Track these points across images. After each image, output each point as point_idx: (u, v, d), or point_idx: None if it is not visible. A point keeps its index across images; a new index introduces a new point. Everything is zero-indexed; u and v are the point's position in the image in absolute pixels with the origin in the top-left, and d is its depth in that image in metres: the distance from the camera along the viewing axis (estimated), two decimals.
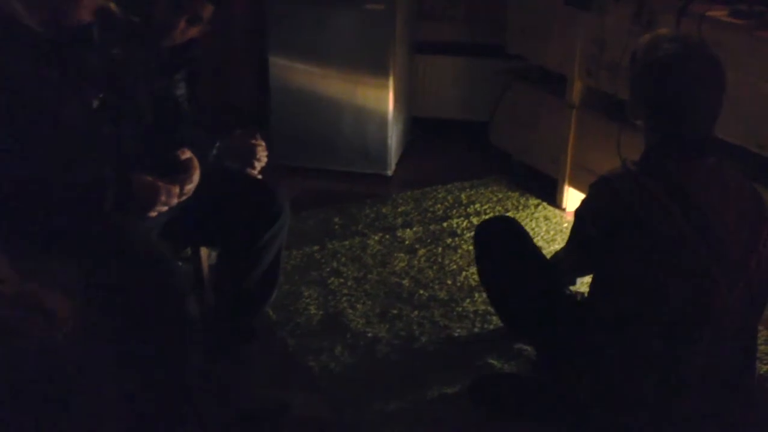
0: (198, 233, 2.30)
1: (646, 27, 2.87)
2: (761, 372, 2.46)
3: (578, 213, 1.99)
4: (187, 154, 2.05)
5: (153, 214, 1.93)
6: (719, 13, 2.67)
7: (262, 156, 2.39)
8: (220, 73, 4.01)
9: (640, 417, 1.89)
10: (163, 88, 2.24)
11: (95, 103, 1.91)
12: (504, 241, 2.30)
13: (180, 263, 2.51)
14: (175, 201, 1.96)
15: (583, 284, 2.58)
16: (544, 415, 2.12)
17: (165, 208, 1.95)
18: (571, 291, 2.25)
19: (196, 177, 2.03)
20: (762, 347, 2.58)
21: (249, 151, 2.37)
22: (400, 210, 3.47)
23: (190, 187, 2.01)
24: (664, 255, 1.77)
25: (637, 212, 1.77)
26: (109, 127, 1.95)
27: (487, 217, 3.39)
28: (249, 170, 2.36)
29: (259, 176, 2.38)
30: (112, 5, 2.07)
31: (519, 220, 3.31)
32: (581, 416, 1.97)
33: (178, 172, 2.02)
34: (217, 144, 2.29)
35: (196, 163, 2.04)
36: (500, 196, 3.62)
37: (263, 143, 2.40)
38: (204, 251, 2.51)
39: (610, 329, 1.89)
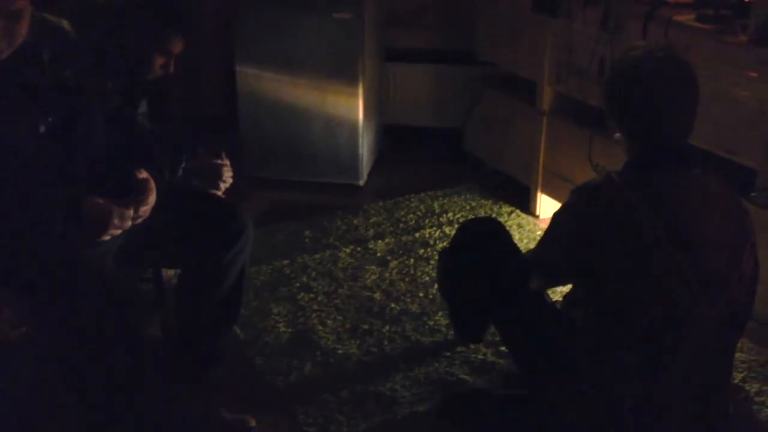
0: (158, 254, 2.24)
1: (613, 32, 2.85)
2: (737, 380, 2.43)
3: (556, 219, 1.95)
4: (143, 174, 2.00)
5: (106, 237, 1.87)
6: (686, 18, 2.65)
7: (227, 176, 2.34)
8: (187, 83, 3.95)
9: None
10: (121, 109, 2.19)
11: (43, 127, 1.86)
12: (486, 242, 2.23)
13: (142, 283, 2.47)
14: (129, 224, 1.90)
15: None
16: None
17: (119, 231, 1.89)
18: (551, 298, 2.20)
19: (152, 198, 1.97)
20: (738, 355, 2.56)
21: (214, 171, 2.32)
22: (371, 221, 3.42)
23: (145, 209, 1.96)
24: (643, 267, 1.73)
25: (618, 223, 1.74)
26: (59, 151, 1.89)
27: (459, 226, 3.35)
28: (213, 191, 2.31)
29: (222, 195, 2.33)
30: (66, 25, 2.03)
31: None
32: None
33: (134, 193, 1.96)
34: (183, 164, 2.24)
35: (152, 184, 1.98)
36: (473, 204, 3.58)
37: (228, 163, 2.35)
38: (165, 272, 2.45)
39: (586, 340, 1.85)
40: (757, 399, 2.34)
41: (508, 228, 3.29)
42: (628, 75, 1.81)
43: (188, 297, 2.25)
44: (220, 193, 2.34)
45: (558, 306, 2.12)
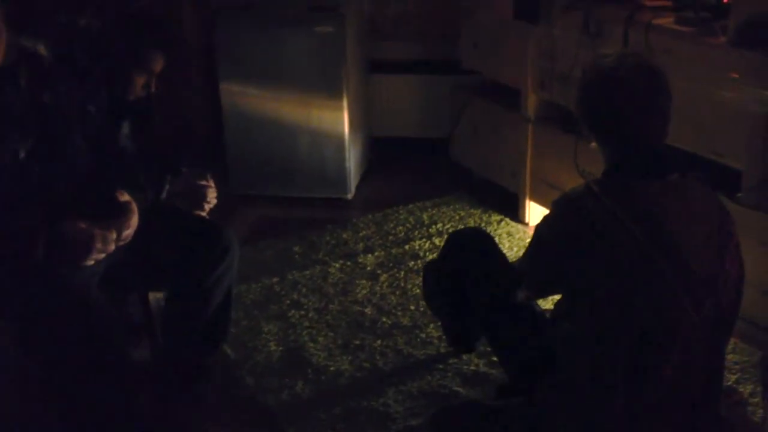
0: (143, 277, 2.23)
1: (594, 37, 2.85)
2: (730, 382, 2.42)
3: (539, 231, 1.94)
4: (125, 197, 1.98)
5: (90, 262, 1.85)
6: (666, 21, 2.66)
7: (212, 197, 2.33)
8: (171, 102, 3.93)
9: None
10: (104, 131, 2.17)
11: (23, 152, 1.84)
12: (476, 252, 2.22)
13: (129, 307, 2.45)
14: (112, 247, 1.89)
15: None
16: None
17: (102, 255, 1.88)
18: (540, 308, 2.19)
19: (134, 221, 1.96)
20: (730, 356, 2.55)
21: (198, 191, 2.31)
22: (361, 234, 3.41)
23: (128, 232, 1.94)
24: (627, 276, 1.72)
25: (600, 233, 1.73)
26: (39, 175, 1.88)
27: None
28: (198, 212, 2.30)
29: (206, 215, 2.31)
30: (42, 49, 2.02)
31: None
32: None
33: (116, 216, 1.95)
34: (167, 187, 2.23)
35: (134, 206, 1.97)
36: (462, 213, 3.57)
37: (213, 184, 2.34)
38: (152, 294, 2.43)
39: (575, 350, 1.84)
40: (751, 401, 2.33)
41: (497, 236, 3.32)
42: (599, 84, 1.80)
43: (175, 319, 2.24)
44: (204, 213, 2.33)
45: (548, 315, 2.11)
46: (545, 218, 1.90)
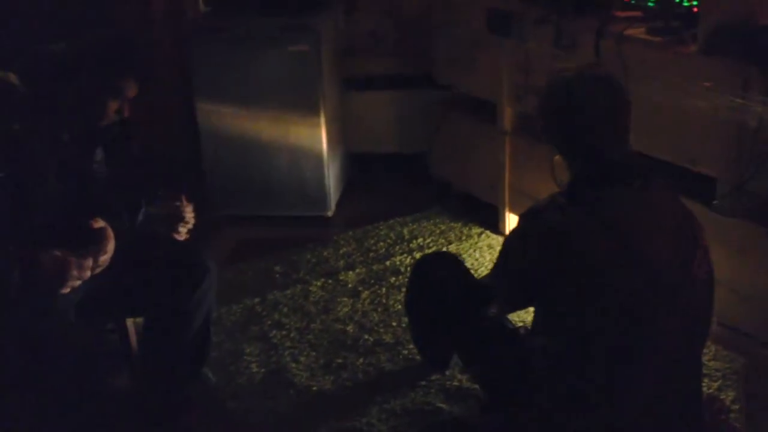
0: (121, 304, 2.20)
1: (567, 50, 2.87)
2: (712, 390, 2.43)
3: (507, 246, 1.95)
4: (99, 224, 1.97)
5: (65, 290, 1.84)
6: (637, 32, 2.67)
7: (189, 219, 2.31)
8: (147, 124, 3.91)
9: None
10: (77, 158, 2.16)
11: None
12: (442, 276, 2.24)
13: (109, 333, 2.43)
14: (88, 274, 1.87)
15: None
16: None
17: (78, 283, 1.86)
18: (513, 324, 2.19)
19: (110, 246, 1.94)
20: (711, 363, 2.56)
21: (175, 215, 2.29)
22: (341, 252, 3.40)
23: (104, 258, 1.93)
24: (597, 285, 1.73)
25: (567, 243, 1.73)
26: (12, 204, 1.86)
27: (430, 251, 3.35)
28: (175, 235, 2.28)
29: (184, 238, 2.29)
30: (13, 78, 2.00)
31: (462, 251, 3.33)
32: None
33: (91, 243, 1.93)
34: (143, 210, 2.21)
35: (109, 232, 1.96)
36: (443, 227, 3.57)
37: (190, 205, 2.33)
38: (130, 320, 2.41)
39: (551, 363, 1.84)
40: (733, 408, 2.33)
41: (478, 249, 3.32)
42: (559, 97, 1.84)
43: (154, 345, 2.22)
44: (182, 236, 2.31)
45: (522, 331, 2.11)
46: (513, 231, 1.92)
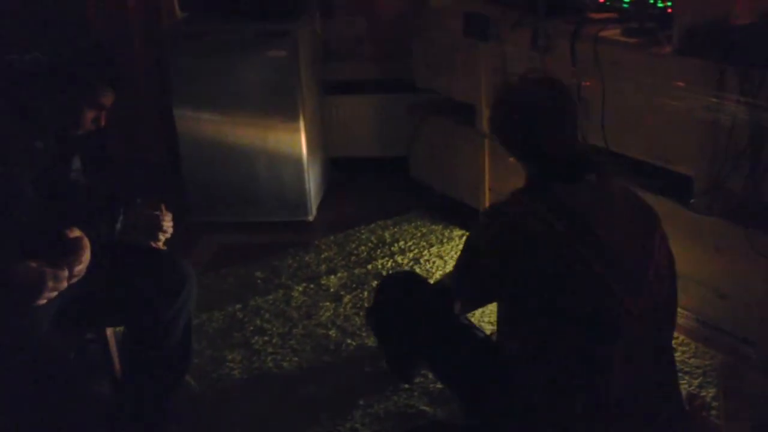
0: (99, 314, 2.19)
1: (543, 52, 2.89)
2: (693, 387, 2.45)
3: (468, 243, 1.96)
4: (75, 233, 1.95)
5: (42, 301, 1.82)
6: (612, 33, 2.69)
7: (168, 227, 2.29)
8: (126, 132, 3.91)
9: None
10: (53, 167, 2.14)
11: None
12: (402, 295, 2.27)
13: (89, 343, 2.41)
14: (64, 285, 1.86)
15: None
16: None
17: (54, 294, 1.84)
18: (483, 332, 2.21)
19: (86, 256, 1.93)
20: (691, 360, 2.58)
21: (153, 223, 2.28)
22: (323, 256, 3.40)
23: (80, 268, 1.91)
24: (559, 280, 1.74)
25: (529, 238, 1.76)
26: None
27: (411, 254, 3.36)
28: (153, 243, 2.27)
29: (164, 247, 2.28)
30: None
31: (444, 253, 3.34)
32: None
33: (67, 253, 1.91)
34: (121, 218, 2.20)
35: (85, 242, 1.94)
36: (424, 230, 3.58)
37: (169, 214, 2.31)
38: (110, 330, 2.39)
39: (523, 364, 1.85)
40: (713, 404, 2.35)
41: (459, 251, 3.32)
42: (507, 102, 1.89)
43: (134, 354, 2.21)
44: (160, 244, 2.29)
45: (494, 338, 2.12)
46: (474, 229, 1.95)
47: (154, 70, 3.92)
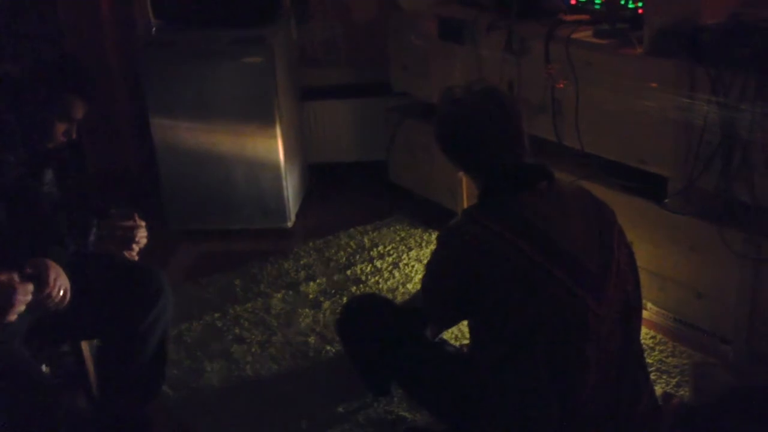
0: (74, 326, 2.17)
1: (518, 55, 2.89)
2: (670, 386, 2.46)
3: (430, 267, 1.97)
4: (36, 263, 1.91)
5: (12, 317, 1.80)
6: (584, 35, 2.70)
7: (141, 238, 2.28)
8: (101, 142, 3.89)
9: None
10: (23, 181, 2.12)
11: None
12: (369, 320, 2.26)
13: (63, 355, 2.39)
14: (29, 298, 1.83)
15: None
16: None
17: (23, 308, 1.82)
18: (454, 346, 2.21)
19: (54, 276, 1.89)
20: (669, 359, 2.59)
21: (127, 234, 2.26)
22: (302, 263, 3.39)
23: (56, 291, 1.88)
24: (523, 290, 1.75)
25: (488, 255, 1.76)
26: None
27: (390, 258, 3.36)
28: (127, 254, 2.25)
29: (137, 257, 2.27)
30: None
31: (423, 257, 3.34)
32: None
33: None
34: (94, 230, 2.18)
35: (47, 264, 1.90)
36: (403, 234, 3.58)
37: (143, 224, 2.29)
38: (85, 343, 2.38)
39: (496, 375, 1.85)
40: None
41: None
42: (451, 115, 1.89)
43: (110, 367, 2.19)
44: (134, 255, 2.28)
45: (466, 351, 2.13)
46: (434, 253, 1.94)
47: (129, 80, 3.89)
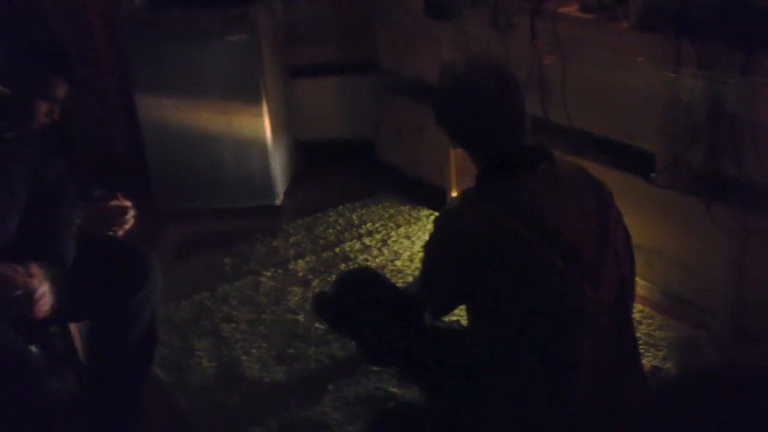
0: (62, 308, 2.16)
1: (504, 31, 2.88)
2: (657, 360, 2.48)
3: (427, 251, 1.94)
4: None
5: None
6: (570, 9, 2.69)
7: (128, 217, 2.27)
8: (87, 123, 3.86)
9: None
10: (6, 165, 2.10)
11: None
12: (363, 294, 2.21)
13: (52, 337, 2.38)
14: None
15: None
16: None
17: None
18: (446, 322, 2.20)
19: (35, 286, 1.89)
20: (657, 333, 2.61)
21: (114, 215, 2.25)
22: (291, 241, 3.39)
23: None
24: (520, 277, 1.73)
25: (485, 239, 1.74)
26: None
27: (379, 235, 3.36)
28: (113, 234, 2.24)
29: (122, 234, 2.25)
30: None
31: (411, 234, 3.34)
32: None
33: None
34: (81, 213, 2.17)
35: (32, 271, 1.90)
36: (392, 211, 3.58)
37: (129, 203, 2.28)
38: (74, 324, 2.37)
39: (491, 356, 1.85)
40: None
41: (428, 231, 3.32)
42: (452, 92, 1.82)
43: (99, 348, 2.19)
44: (120, 232, 2.27)
45: (456, 327, 2.12)
46: (431, 238, 1.91)
47: (114, 59, 3.86)
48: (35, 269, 1.86)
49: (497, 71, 1.81)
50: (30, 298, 1.83)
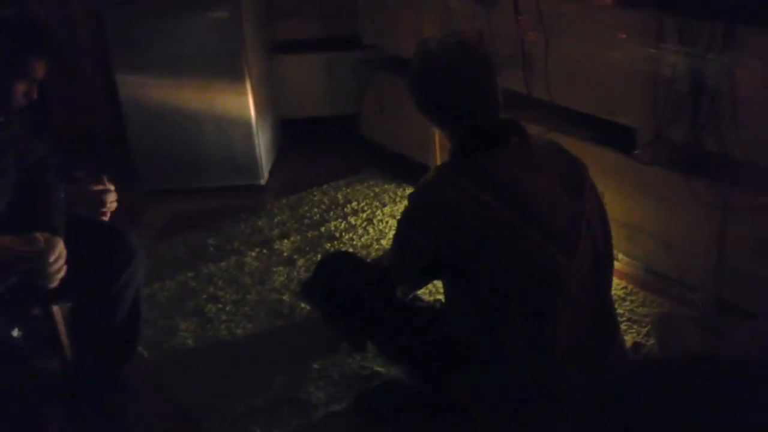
0: (45, 292, 2.15)
1: (488, 5, 2.86)
2: (640, 336, 2.49)
3: (401, 225, 1.95)
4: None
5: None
6: None
7: (110, 201, 2.25)
8: (66, 102, 3.82)
9: (520, 410, 1.87)
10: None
11: None
12: (342, 277, 2.25)
13: (34, 318, 2.38)
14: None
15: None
16: (428, 419, 2.09)
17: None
18: (426, 301, 2.22)
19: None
20: (640, 309, 2.63)
21: (96, 198, 2.23)
22: (276, 220, 3.38)
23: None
24: (494, 249, 1.75)
25: (460, 213, 1.75)
26: None
27: (364, 214, 3.36)
28: (97, 216, 2.23)
29: (107, 219, 2.24)
30: None
31: (396, 212, 3.34)
32: (464, 416, 1.95)
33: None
34: (63, 195, 2.15)
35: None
36: (377, 190, 3.57)
37: (111, 187, 2.26)
38: (57, 306, 2.36)
39: (472, 332, 1.86)
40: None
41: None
42: (426, 70, 1.85)
43: (83, 330, 2.18)
44: (105, 217, 2.25)
45: (437, 306, 2.13)
46: (405, 212, 1.92)
47: (94, 37, 3.81)
48: (45, 236, 1.85)
49: (469, 47, 1.83)
50: (47, 264, 1.82)
